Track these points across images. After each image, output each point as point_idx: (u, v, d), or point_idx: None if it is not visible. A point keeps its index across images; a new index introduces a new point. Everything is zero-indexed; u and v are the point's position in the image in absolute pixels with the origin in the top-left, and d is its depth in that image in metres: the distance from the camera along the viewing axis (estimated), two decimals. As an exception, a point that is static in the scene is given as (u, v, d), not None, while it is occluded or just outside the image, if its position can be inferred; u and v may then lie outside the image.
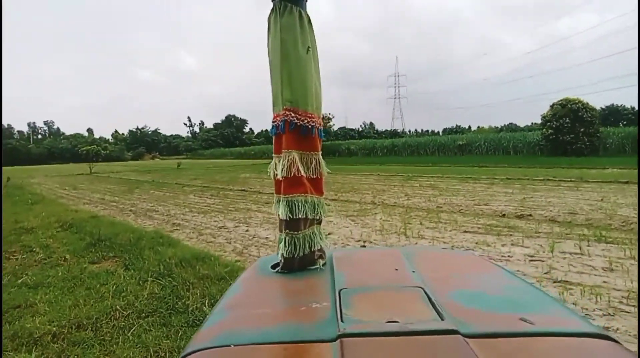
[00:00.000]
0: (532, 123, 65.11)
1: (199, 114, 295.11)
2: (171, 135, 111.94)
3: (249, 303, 1.24)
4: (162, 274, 4.94)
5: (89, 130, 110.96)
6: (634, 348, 1.94)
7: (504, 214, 8.58)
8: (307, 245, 1.56)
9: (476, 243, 6.31)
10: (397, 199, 11.52)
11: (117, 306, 3.91)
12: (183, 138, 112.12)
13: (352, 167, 29.59)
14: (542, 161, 26.53)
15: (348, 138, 76.62)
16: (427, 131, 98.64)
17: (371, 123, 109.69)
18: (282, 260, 1.54)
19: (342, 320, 1.00)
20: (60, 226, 8.26)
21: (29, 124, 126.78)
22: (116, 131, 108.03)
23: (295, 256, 1.53)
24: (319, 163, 1.64)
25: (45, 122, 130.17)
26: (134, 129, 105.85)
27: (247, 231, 8.11)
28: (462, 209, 9.51)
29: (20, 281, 4.62)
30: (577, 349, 0.90)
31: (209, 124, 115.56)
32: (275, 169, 1.60)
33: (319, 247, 1.61)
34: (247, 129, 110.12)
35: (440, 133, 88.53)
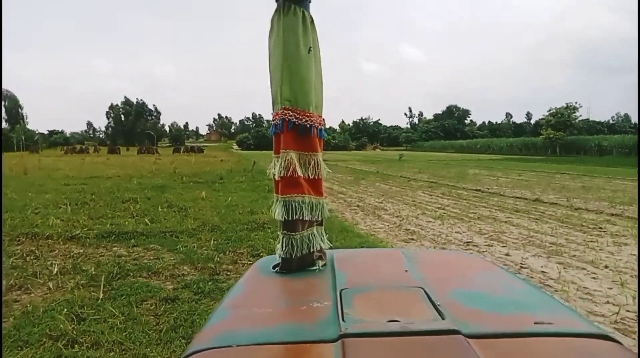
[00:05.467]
0: None
1: (419, 104, 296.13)
2: (391, 126, 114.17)
3: (251, 303, 1.23)
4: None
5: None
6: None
7: None
8: (305, 246, 1.54)
9: None
10: None
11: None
12: (402, 129, 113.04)
13: (612, 169, 23.72)
14: None
15: (594, 132, 64.22)
16: None
17: (626, 115, 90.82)
18: (280, 261, 1.52)
19: (343, 320, 0.99)
20: (290, 223, 7.59)
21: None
22: (343, 122, 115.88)
23: (294, 256, 1.51)
24: (318, 163, 1.62)
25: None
26: (358, 120, 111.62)
27: (507, 255, 6.05)
28: None
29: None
30: (579, 350, 0.89)
31: (428, 115, 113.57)
32: (274, 169, 1.57)
33: (319, 248, 1.59)
34: (468, 121, 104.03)
35: None
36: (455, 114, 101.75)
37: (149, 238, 6.46)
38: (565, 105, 54.73)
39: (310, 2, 1.60)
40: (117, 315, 3.52)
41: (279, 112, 1.55)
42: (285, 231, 1.55)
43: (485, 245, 6.60)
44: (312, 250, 1.55)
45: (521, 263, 5.62)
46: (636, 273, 5.12)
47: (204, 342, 0.94)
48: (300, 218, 1.54)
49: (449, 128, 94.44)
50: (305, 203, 1.56)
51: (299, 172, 1.56)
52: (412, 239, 7.02)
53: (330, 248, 1.68)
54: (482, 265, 1.63)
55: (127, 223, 7.53)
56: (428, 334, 0.92)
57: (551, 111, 55.32)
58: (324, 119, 1.70)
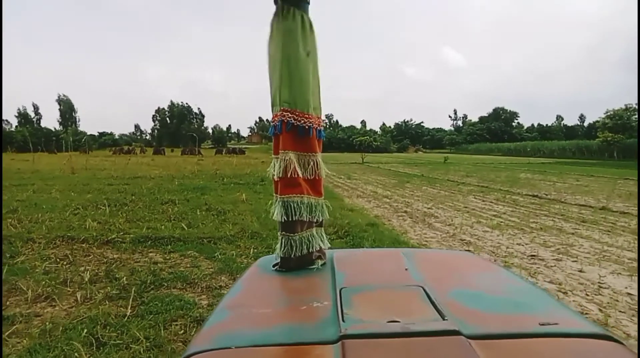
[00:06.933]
0: None
1: (464, 107, 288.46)
2: (434, 128, 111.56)
3: (250, 303, 1.20)
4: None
5: (362, 122, 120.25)
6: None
7: None
8: (304, 247, 1.53)
9: None
10: None
11: None
12: (446, 131, 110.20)
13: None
14: None
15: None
16: None
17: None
18: (280, 260, 1.52)
19: (343, 321, 0.97)
20: (335, 232, 7.07)
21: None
22: (384, 124, 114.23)
23: (292, 256, 1.50)
24: (317, 164, 1.63)
25: (326, 116, 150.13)
26: (400, 122, 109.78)
27: (580, 271, 5.32)
28: None
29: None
30: (580, 350, 0.88)
31: (473, 118, 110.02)
32: (273, 170, 1.57)
33: (318, 248, 1.58)
34: (515, 124, 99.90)
35: None
36: (502, 117, 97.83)
37: (187, 244, 6.10)
38: (624, 107, 51.53)
39: (309, 5, 1.59)
40: (141, 339, 3.09)
41: (278, 114, 1.56)
42: (284, 232, 1.54)
43: (554, 260, 5.85)
44: (311, 250, 1.54)
45: (599, 283, 4.86)
46: None
47: (203, 344, 0.92)
48: (300, 218, 1.54)
49: (495, 130, 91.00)
50: (304, 204, 1.56)
51: (298, 172, 1.56)
52: (470, 251, 6.33)
53: (330, 248, 1.67)
54: (482, 265, 1.62)
55: (164, 227, 7.22)
56: (429, 335, 0.90)
57: (608, 113, 52.23)
58: (324, 121, 1.61)
